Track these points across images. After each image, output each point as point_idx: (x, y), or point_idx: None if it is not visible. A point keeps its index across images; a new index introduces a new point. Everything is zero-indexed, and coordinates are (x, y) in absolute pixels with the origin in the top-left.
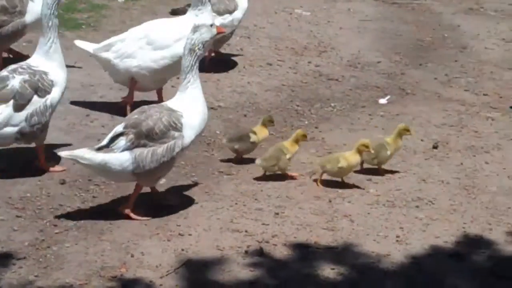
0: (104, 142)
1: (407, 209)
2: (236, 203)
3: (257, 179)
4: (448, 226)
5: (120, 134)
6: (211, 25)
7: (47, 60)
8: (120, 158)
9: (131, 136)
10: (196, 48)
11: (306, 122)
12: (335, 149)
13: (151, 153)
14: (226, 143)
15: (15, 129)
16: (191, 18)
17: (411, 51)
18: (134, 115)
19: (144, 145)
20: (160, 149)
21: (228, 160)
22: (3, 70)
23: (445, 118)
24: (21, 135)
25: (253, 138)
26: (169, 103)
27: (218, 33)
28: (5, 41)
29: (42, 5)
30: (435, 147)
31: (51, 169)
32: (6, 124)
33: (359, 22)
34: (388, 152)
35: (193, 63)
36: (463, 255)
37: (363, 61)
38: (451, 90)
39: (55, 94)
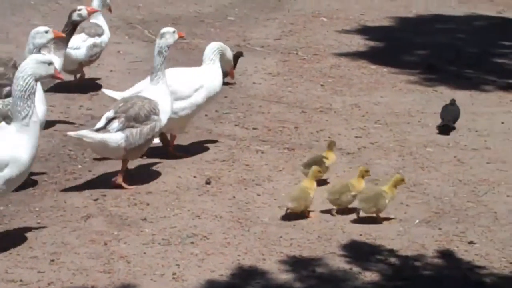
0: (101, 124)
1: (183, 245)
2: (10, 253)
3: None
4: (223, 259)
5: (113, 118)
6: (173, 31)
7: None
8: (115, 136)
9: (122, 119)
10: (163, 50)
11: (80, 166)
12: (111, 192)
13: (139, 132)
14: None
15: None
16: (206, 68)
17: None
18: (120, 104)
19: (132, 126)
20: (145, 128)
21: None
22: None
23: (216, 154)
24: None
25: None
26: (146, 94)
27: (180, 37)
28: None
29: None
30: (208, 182)
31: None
32: None
33: (129, 63)
34: (386, 201)
35: (162, 62)
36: (238, 287)
37: None
38: (221, 125)
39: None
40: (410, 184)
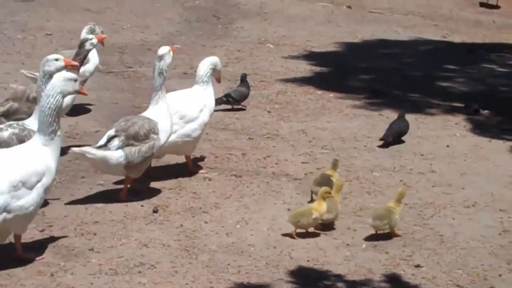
0: (102, 142)
1: (130, 275)
2: None
3: None
4: None
5: (114, 136)
6: (169, 51)
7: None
8: (115, 154)
9: (122, 137)
10: (163, 71)
11: None
12: (57, 222)
13: (138, 150)
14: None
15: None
16: (202, 87)
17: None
18: (121, 123)
19: (132, 145)
20: (144, 147)
21: None
22: None
23: (164, 182)
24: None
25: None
26: (146, 114)
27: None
28: None
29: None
30: (155, 211)
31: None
32: None
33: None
34: (397, 216)
35: (161, 83)
36: None
37: (81, 131)
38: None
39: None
40: (357, 209)
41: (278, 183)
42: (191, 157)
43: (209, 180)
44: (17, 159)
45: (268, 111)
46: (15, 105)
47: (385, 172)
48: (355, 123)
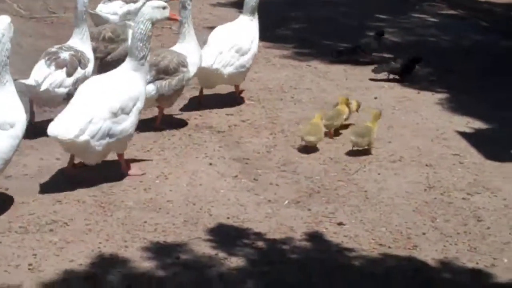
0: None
1: (41, 233)
2: None
3: None
4: (84, 247)
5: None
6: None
7: (82, 44)
8: (148, 88)
9: (153, 72)
10: (187, 4)
11: None
12: None
13: (168, 84)
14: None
15: (65, 90)
16: (246, 21)
17: None
18: (152, 57)
19: (162, 78)
20: (174, 80)
21: None
22: (50, 48)
23: None
24: (68, 95)
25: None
26: (175, 48)
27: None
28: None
29: (78, 3)
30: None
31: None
32: (60, 85)
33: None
34: (374, 135)
35: (187, 16)
36: (98, 277)
37: None
38: None
39: (90, 69)
40: (280, 164)
41: (200, 136)
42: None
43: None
44: (113, 86)
45: None
46: (92, 43)
47: None
48: (283, 73)
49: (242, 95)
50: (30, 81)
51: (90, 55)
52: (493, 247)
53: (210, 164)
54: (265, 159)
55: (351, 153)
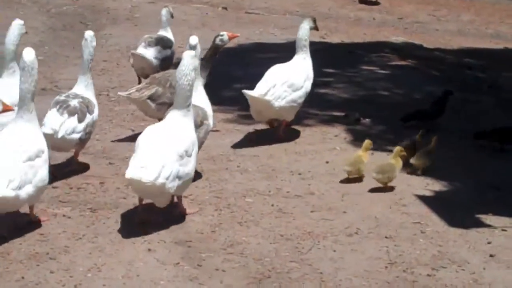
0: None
1: None
2: None
3: None
4: None
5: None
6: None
7: (87, 91)
8: None
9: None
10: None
11: None
12: None
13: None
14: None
15: (78, 135)
16: (300, 60)
17: None
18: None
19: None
20: (201, 133)
21: None
22: (57, 97)
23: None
24: (80, 140)
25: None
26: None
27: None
28: None
29: (84, 53)
30: None
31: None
32: (73, 131)
33: None
34: (397, 172)
35: (197, 69)
36: None
37: None
38: None
39: (96, 114)
40: (226, 245)
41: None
42: None
43: (63, 216)
44: (174, 132)
45: (133, 130)
46: (160, 89)
47: (259, 196)
48: (228, 140)
49: None
50: (47, 129)
51: (94, 101)
52: None
53: (149, 250)
54: (210, 240)
55: (302, 228)
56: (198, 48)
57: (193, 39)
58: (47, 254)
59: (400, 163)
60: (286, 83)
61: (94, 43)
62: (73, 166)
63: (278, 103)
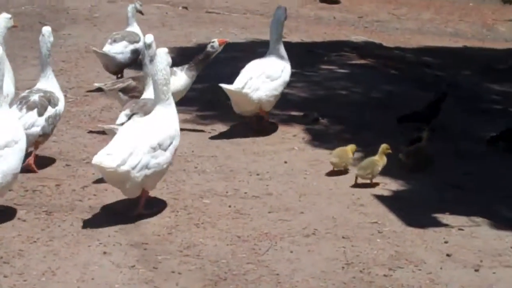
0: (123, 119)
1: None
2: None
3: None
4: None
5: (133, 114)
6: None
7: (50, 85)
8: None
9: (141, 114)
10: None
11: None
12: None
13: None
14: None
15: (38, 128)
16: (276, 56)
17: None
18: (132, 103)
19: None
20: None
21: None
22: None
23: None
24: (43, 133)
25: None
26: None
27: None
28: None
29: (42, 48)
30: None
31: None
32: (33, 125)
33: None
34: (379, 168)
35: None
36: None
37: None
38: None
39: (61, 107)
40: (183, 247)
41: (95, 220)
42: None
43: (17, 219)
44: (153, 125)
45: (90, 131)
46: (133, 83)
47: (217, 197)
48: (186, 140)
49: None
50: None
51: (59, 94)
52: None
53: (105, 253)
54: (166, 243)
55: (259, 229)
56: (153, 46)
57: (148, 38)
58: (1, 258)
59: (384, 160)
60: (263, 74)
61: (52, 39)
62: (30, 160)
63: (256, 95)
